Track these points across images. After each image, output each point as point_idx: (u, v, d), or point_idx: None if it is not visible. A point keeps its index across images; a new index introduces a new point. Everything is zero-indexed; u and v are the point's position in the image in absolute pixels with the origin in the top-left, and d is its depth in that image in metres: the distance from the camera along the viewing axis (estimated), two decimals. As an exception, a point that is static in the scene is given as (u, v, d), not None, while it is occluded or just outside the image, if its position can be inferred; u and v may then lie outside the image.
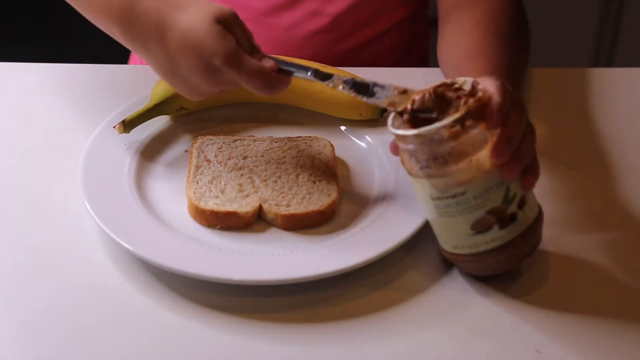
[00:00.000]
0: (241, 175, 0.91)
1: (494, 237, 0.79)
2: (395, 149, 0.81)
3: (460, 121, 0.76)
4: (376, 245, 0.83)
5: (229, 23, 0.84)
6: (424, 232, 0.85)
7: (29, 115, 1.03)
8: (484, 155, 0.77)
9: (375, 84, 0.83)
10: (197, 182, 0.90)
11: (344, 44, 1.20)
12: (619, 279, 0.85)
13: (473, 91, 0.77)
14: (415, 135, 0.76)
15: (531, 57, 1.05)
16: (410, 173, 0.80)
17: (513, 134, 0.77)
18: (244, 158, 0.93)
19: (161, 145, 0.97)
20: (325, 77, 0.86)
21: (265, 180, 0.90)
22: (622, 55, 2.16)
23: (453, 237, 0.81)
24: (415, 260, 0.85)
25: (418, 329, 0.80)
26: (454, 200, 0.78)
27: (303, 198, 0.88)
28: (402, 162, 0.80)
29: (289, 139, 0.97)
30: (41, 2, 2.09)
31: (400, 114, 0.80)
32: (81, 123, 1.01)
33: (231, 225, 0.86)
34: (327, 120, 1.01)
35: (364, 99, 0.83)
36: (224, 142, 0.95)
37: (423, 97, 0.79)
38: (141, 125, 0.96)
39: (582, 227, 0.90)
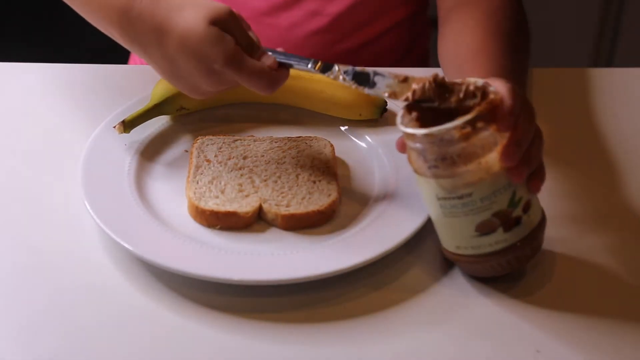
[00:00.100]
0: (241, 175, 0.91)
1: (498, 239, 0.79)
2: (401, 147, 0.81)
3: (471, 123, 0.75)
4: (376, 245, 0.83)
5: (225, 23, 0.84)
6: (424, 232, 0.85)
7: (29, 115, 1.03)
8: (493, 158, 0.76)
9: (375, 73, 0.83)
10: (197, 182, 0.90)
11: (343, 44, 1.20)
12: (620, 279, 0.85)
13: (484, 93, 0.77)
14: (425, 135, 0.76)
15: (531, 57, 1.05)
16: (417, 172, 0.80)
17: (523, 137, 0.77)
18: (244, 158, 0.93)
19: (161, 145, 0.97)
20: (325, 68, 0.86)
21: (265, 180, 0.90)
22: (622, 55, 2.16)
23: (457, 237, 0.81)
24: (415, 260, 0.85)
25: (418, 329, 0.80)
26: (460, 201, 0.78)
27: (303, 198, 0.88)
28: (409, 160, 0.80)
29: (289, 139, 0.97)
30: (41, 2, 2.09)
31: (409, 111, 0.80)
32: (81, 123, 1.01)
33: (231, 225, 0.86)
34: (327, 120, 1.01)
35: (366, 90, 0.83)
36: (224, 142, 0.95)
37: (423, 87, 0.79)
38: (141, 125, 0.96)
39: (583, 228, 0.90)
